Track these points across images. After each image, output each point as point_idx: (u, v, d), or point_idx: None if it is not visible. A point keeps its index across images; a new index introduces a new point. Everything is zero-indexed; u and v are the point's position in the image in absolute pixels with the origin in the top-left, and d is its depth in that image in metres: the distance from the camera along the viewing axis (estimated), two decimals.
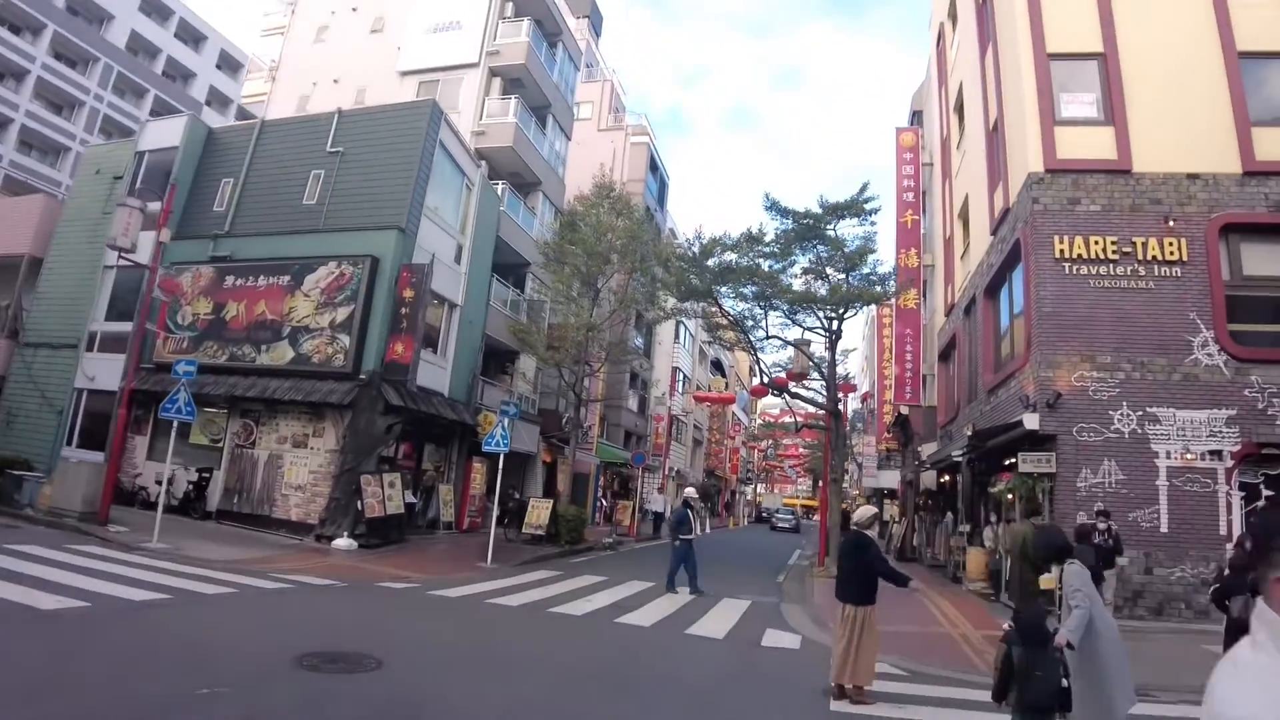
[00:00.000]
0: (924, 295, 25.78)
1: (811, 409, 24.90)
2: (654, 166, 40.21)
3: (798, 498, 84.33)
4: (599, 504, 33.33)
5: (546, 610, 10.71)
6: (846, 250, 19.08)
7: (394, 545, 16.24)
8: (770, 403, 69.99)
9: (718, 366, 59.00)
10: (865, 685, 7.07)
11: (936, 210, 24.74)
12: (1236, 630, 8.02)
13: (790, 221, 19.28)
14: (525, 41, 25.57)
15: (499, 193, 23.45)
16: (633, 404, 38.66)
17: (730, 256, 19.76)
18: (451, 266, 20.29)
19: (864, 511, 7.95)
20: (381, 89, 25.98)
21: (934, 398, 24.49)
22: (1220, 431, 12.19)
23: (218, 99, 45.70)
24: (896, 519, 29.57)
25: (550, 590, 12.59)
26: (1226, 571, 8.81)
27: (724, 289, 20.41)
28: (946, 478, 22.20)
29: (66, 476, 14.92)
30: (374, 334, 17.02)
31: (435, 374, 19.57)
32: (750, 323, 21.12)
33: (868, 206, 18.93)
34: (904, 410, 27.37)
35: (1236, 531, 11.73)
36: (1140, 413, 12.38)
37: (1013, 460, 13.57)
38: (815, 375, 21.98)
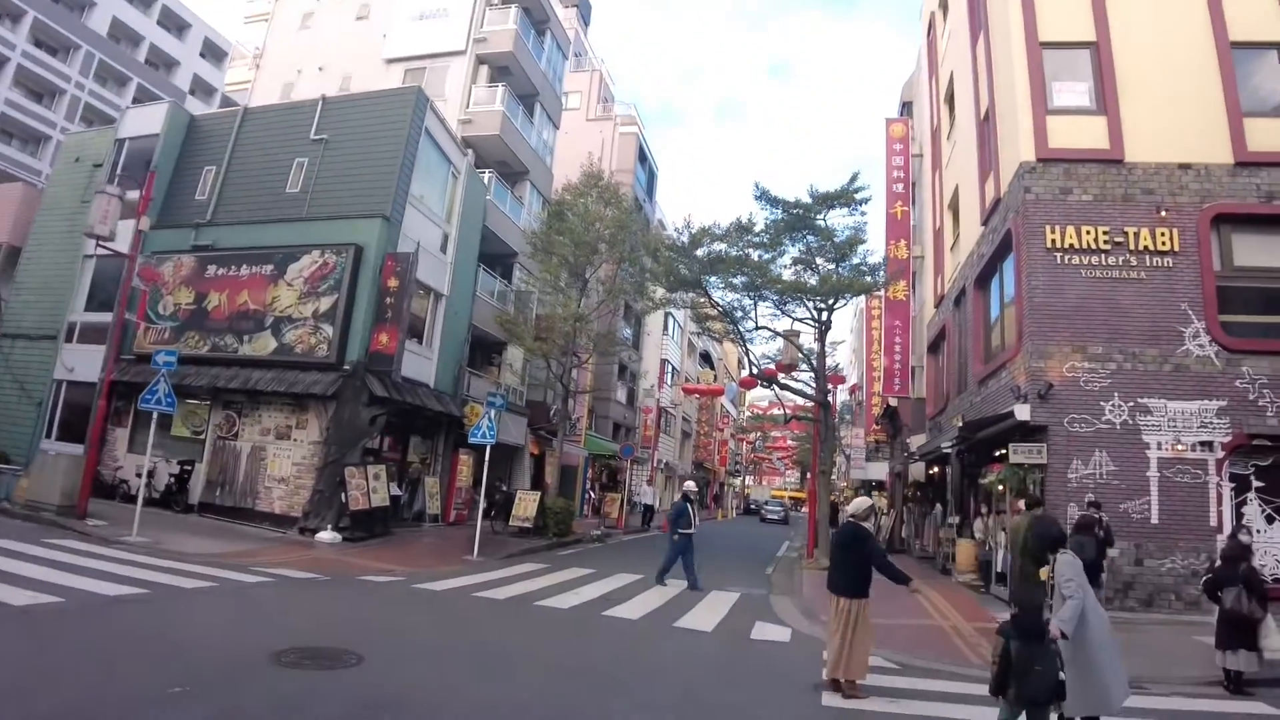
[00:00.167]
0: (913, 287, 25.71)
1: (800, 401, 24.83)
2: (643, 157, 39.96)
3: (786, 490, 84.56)
4: (587, 496, 33.19)
5: (533, 603, 10.56)
6: (836, 240, 18.97)
7: (379, 538, 16.04)
8: (759, 395, 70.03)
9: (706, 359, 58.91)
10: (858, 679, 6.97)
11: (926, 201, 24.64)
12: (1229, 622, 7.99)
13: (780, 211, 19.16)
14: (513, 29, 25.31)
15: (486, 181, 23.22)
16: (621, 396, 38.50)
17: (720, 246, 19.62)
18: (437, 256, 20.05)
19: (860, 503, 7.79)
20: (367, 77, 25.65)
21: (923, 389, 24.44)
22: (1211, 422, 12.13)
23: (202, 88, 45.10)
24: (885, 511, 29.57)
25: (537, 583, 12.45)
26: (1218, 563, 8.76)
27: (713, 279, 20.27)
28: (935, 469, 22.16)
29: (44, 469, 14.66)
30: (358, 324, 16.79)
31: (420, 365, 19.36)
32: (739, 313, 21.01)
33: (858, 196, 18.83)
34: (892, 402, 27.36)
35: (1227, 523, 11.69)
36: (1131, 403, 12.30)
37: (1003, 451, 13.49)
38: (804, 367, 21.88)
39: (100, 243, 14.84)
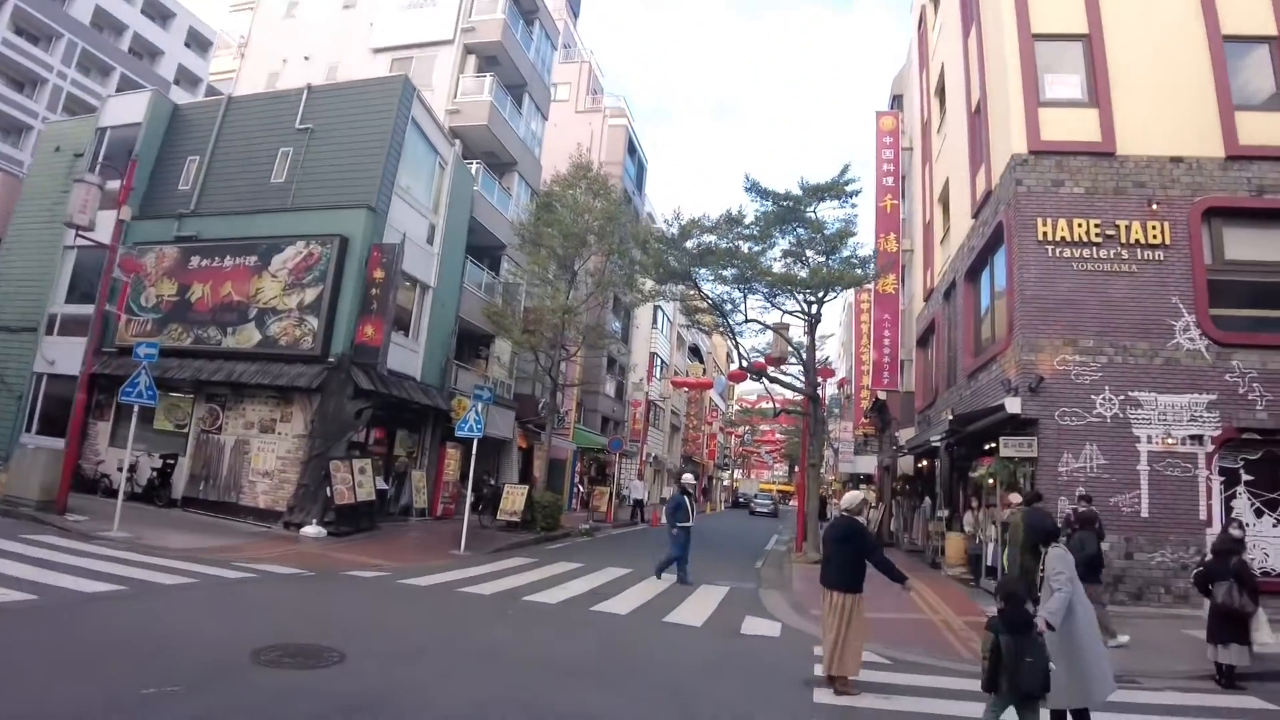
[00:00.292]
0: (902, 280, 25.66)
1: (789, 394, 24.77)
2: (632, 149, 39.74)
3: (774, 483, 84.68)
4: (576, 490, 33.07)
5: (521, 599, 10.43)
6: (827, 233, 18.88)
7: (365, 533, 15.89)
8: (747, 389, 70.20)
9: (695, 352, 58.84)
10: (850, 675, 6.88)
11: (916, 195, 24.58)
12: (1220, 616, 7.95)
13: (770, 203, 19.04)
14: (501, 18, 25.05)
15: (473, 172, 22.99)
16: (610, 389, 38.36)
17: (709, 238, 19.50)
18: (424, 247, 19.84)
19: (853, 497, 7.66)
20: (353, 66, 25.33)
21: (911, 383, 24.42)
22: (1201, 416, 12.12)
23: (187, 78, 44.53)
24: (874, 504, 29.60)
25: (525, 578, 12.32)
26: (1209, 557, 8.72)
27: (703, 271, 20.15)
28: (924, 463, 22.15)
29: (23, 464, 14.40)
30: (343, 316, 16.59)
31: (407, 357, 19.16)
32: (729, 306, 20.89)
33: (848, 188, 18.72)
34: (881, 395, 27.31)
35: (1217, 517, 11.69)
36: (1122, 397, 12.27)
37: (993, 445, 13.46)
38: (794, 360, 21.81)
39: (80, 233, 14.59)
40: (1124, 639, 9.33)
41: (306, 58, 27.19)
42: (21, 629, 6.52)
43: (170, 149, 20.23)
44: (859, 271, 19.26)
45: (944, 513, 18.28)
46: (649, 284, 22.30)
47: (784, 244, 19.63)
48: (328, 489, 15.26)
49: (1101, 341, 12.51)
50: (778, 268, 19.47)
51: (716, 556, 18.44)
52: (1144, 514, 11.85)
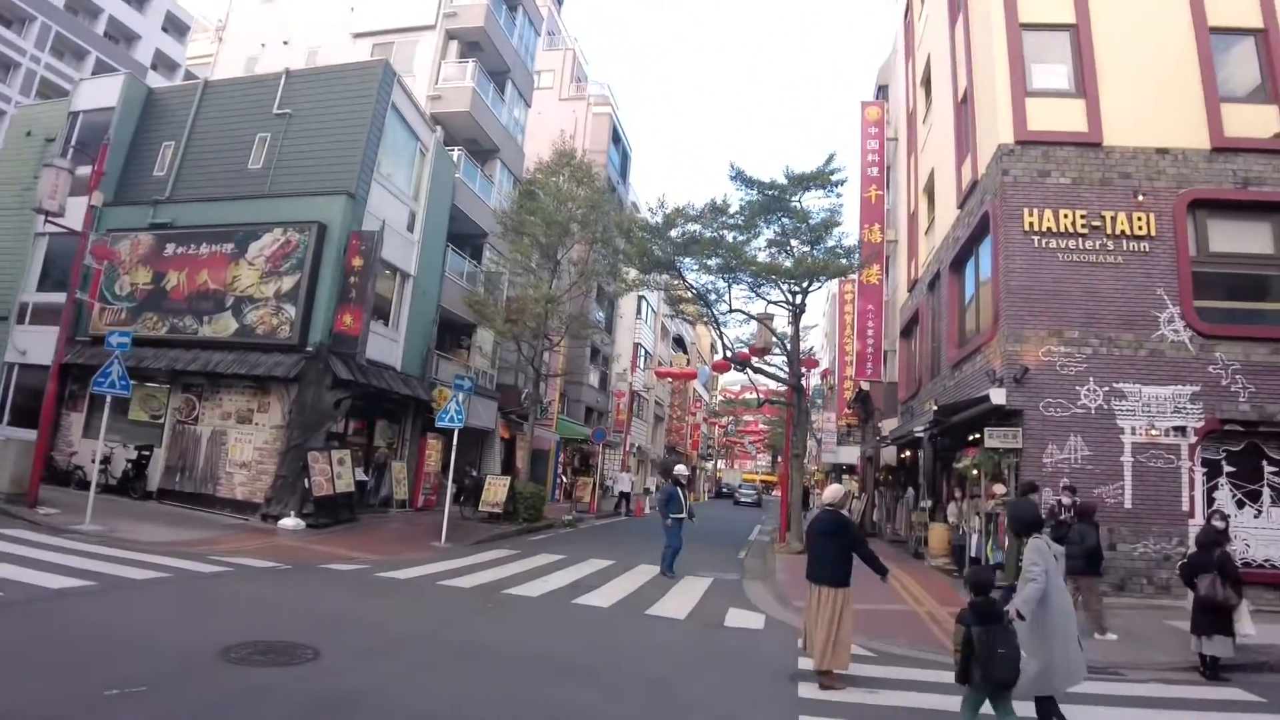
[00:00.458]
0: (886, 271, 25.64)
1: (773, 385, 24.71)
2: (616, 138, 39.48)
3: (757, 473, 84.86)
4: (559, 481, 32.92)
5: (501, 591, 10.28)
6: (812, 222, 18.77)
7: (344, 524, 15.68)
8: (731, 379, 70.14)
9: (679, 343, 58.75)
10: (840, 670, 6.82)
11: (901, 185, 24.53)
12: (1203, 607, 7.93)
13: (756, 192, 18.90)
14: (484, 3, 24.71)
15: (455, 159, 22.69)
16: (594, 380, 38.21)
17: (694, 227, 19.33)
18: (404, 235, 19.57)
19: (836, 490, 7.67)
20: (333, 51, 24.93)
21: (895, 374, 24.44)
22: (1184, 408, 12.12)
23: (164, 62, 43.83)
24: (856, 494, 29.64)
25: (506, 570, 12.17)
26: (1193, 549, 8.70)
27: (687, 260, 20.00)
28: (907, 453, 22.16)
29: None
30: (321, 304, 16.32)
31: (387, 347, 18.91)
32: (713, 296, 20.76)
33: (834, 178, 18.61)
34: (865, 386, 27.33)
35: (1199, 508, 11.71)
36: (1107, 388, 12.26)
37: (977, 436, 13.43)
38: (778, 350, 21.73)
39: (49, 219, 14.21)
40: (1112, 636, 9.31)
41: (286, 42, 26.77)
42: None
43: (145, 134, 19.85)
44: (844, 261, 19.15)
45: (927, 503, 18.29)
46: (633, 273, 22.13)
47: (769, 233, 19.54)
48: (306, 480, 15.04)
49: (1087, 333, 12.49)
50: (762, 257, 19.36)
51: (700, 547, 18.33)
52: (1127, 505, 11.86)
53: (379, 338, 18.27)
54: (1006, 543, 10.33)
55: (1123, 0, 13.68)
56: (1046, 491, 11.61)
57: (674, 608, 10.21)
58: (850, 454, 31.63)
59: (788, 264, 18.90)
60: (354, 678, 5.80)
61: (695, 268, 20.34)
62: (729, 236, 19.29)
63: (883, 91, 29.31)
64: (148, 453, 16.78)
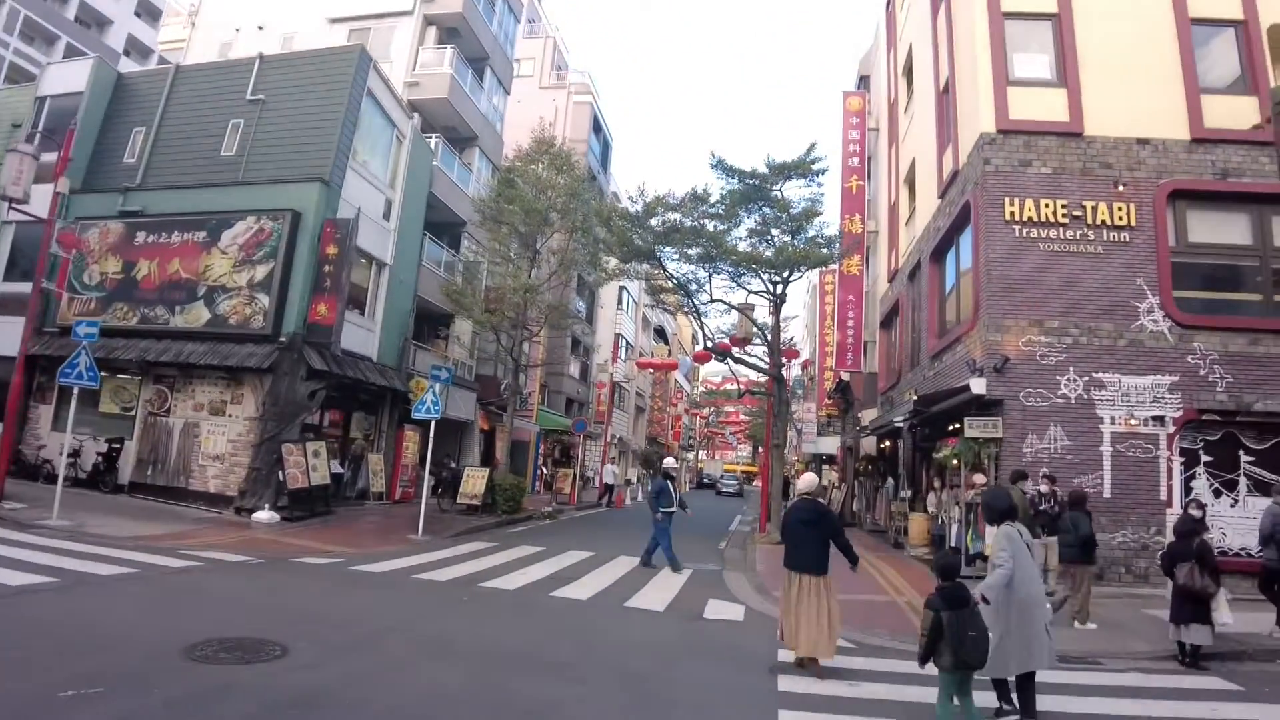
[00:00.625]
0: (866, 262, 25.61)
1: (754, 375, 24.65)
2: (597, 127, 39.17)
3: (738, 464, 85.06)
4: (539, 472, 32.76)
5: (478, 584, 10.12)
6: (792, 212, 18.67)
7: (319, 517, 15.45)
8: (712, 370, 70.31)
9: (661, 334, 58.66)
10: (827, 659, 6.88)
11: (881, 176, 24.50)
12: (1182, 596, 7.92)
13: (737, 181, 18.79)
14: None
15: (433, 147, 22.39)
16: (574, 370, 38.04)
17: (674, 216, 19.18)
18: (380, 223, 19.27)
19: (811, 480, 7.70)
20: (309, 36, 24.50)
21: (875, 364, 24.46)
22: (1163, 398, 12.16)
23: (137, 48, 42.95)
24: (836, 484, 29.68)
25: (484, 563, 12.01)
26: (1172, 539, 8.70)
27: (668, 250, 19.86)
28: (887, 443, 22.19)
29: None
30: (295, 293, 16.05)
31: (363, 337, 18.64)
32: (694, 286, 20.66)
33: (815, 167, 18.51)
34: (845, 376, 27.34)
35: (1177, 497, 11.75)
36: (1086, 378, 12.27)
37: (957, 426, 13.41)
38: (758, 341, 21.67)
39: (13, 206, 13.83)
40: (1091, 626, 9.31)
41: (260, 27, 26.28)
42: None
43: (115, 120, 19.44)
44: (824, 251, 19.10)
45: (907, 493, 18.31)
46: (613, 262, 21.96)
47: (749, 223, 19.43)
48: (280, 473, 14.79)
49: (1067, 322, 12.48)
50: (743, 247, 19.23)
51: (680, 538, 18.12)
52: (1106, 495, 11.88)
53: (354, 328, 18.00)
54: (961, 532, 10.32)
55: None
56: (1027, 482, 11.58)
57: (653, 599, 10.10)
58: (830, 444, 31.66)
59: (768, 253, 18.80)
60: (322, 675, 5.63)
61: (676, 257, 20.23)
62: (710, 226, 19.16)
63: (864, 82, 29.23)
64: (118, 445, 16.45)
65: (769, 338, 20.21)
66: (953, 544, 13.33)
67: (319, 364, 15.90)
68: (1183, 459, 12.14)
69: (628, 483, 35.27)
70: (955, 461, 13.77)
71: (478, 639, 7.31)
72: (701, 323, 21.86)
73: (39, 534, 10.81)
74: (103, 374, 15.83)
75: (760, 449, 32.71)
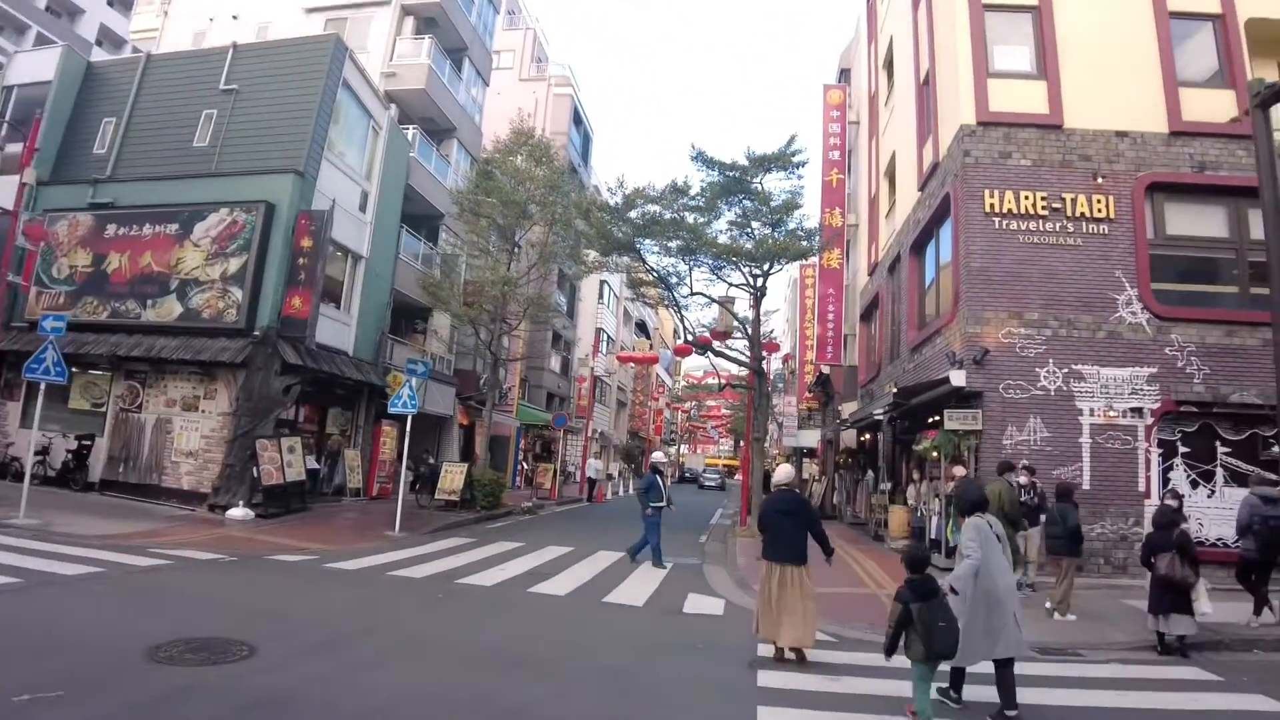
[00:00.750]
0: (847, 255, 25.62)
1: (735, 369, 24.61)
2: (578, 120, 38.92)
3: (720, 458, 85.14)
4: (520, 467, 32.58)
5: (454, 581, 9.98)
6: (773, 204, 18.60)
7: (295, 514, 15.26)
8: (693, 364, 70.29)
9: (642, 328, 58.52)
10: (809, 646, 6.96)
11: (862, 169, 24.50)
12: (1162, 586, 7.92)
13: (717, 173, 18.67)
14: None
15: (410, 138, 22.12)
16: (555, 365, 37.84)
17: (654, 208, 19.05)
18: (356, 215, 19.00)
19: (788, 471, 7.77)
20: (285, 26, 24.04)
21: (855, 357, 24.48)
22: (1141, 389, 12.19)
23: (110, 38, 42.17)
24: (817, 477, 29.70)
25: (461, 559, 11.87)
26: (1151, 530, 8.70)
27: (648, 242, 19.73)
28: (867, 436, 22.21)
29: None
30: (269, 287, 15.80)
31: (338, 331, 18.39)
32: (674, 279, 20.56)
33: (795, 159, 18.44)
34: (825, 370, 27.36)
35: (1155, 488, 11.80)
36: (1066, 370, 12.27)
37: (937, 418, 13.40)
38: (739, 334, 21.61)
39: None
40: (1071, 617, 9.31)
41: (235, 16, 25.75)
42: None
43: (84, 110, 19.03)
44: (804, 243, 19.05)
45: (887, 486, 18.32)
46: (593, 255, 21.80)
47: (730, 215, 19.34)
48: (255, 469, 14.58)
49: (1046, 314, 12.48)
50: (723, 239, 19.15)
51: (662, 531, 18.16)
52: (1085, 486, 11.88)
53: (330, 321, 17.75)
54: (941, 525, 10.33)
55: None
56: (1014, 474, 11.58)
57: (632, 595, 10.00)
58: (811, 437, 31.70)
59: (748, 246, 18.72)
60: (289, 676, 5.48)
61: (656, 250, 20.12)
62: (690, 218, 19.06)
63: (845, 75, 29.19)
64: (89, 442, 16.15)
65: (749, 331, 20.15)
66: (933, 536, 13.34)
67: (294, 358, 15.66)
68: (1160, 450, 12.19)
69: (609, 477, 35.14)
70: (935, 454, 13.75)
71: (452, 637, 7.18)
72: (682, 316, 21.77)
73: (4, 533, 10.54)
74: (73, 370, 15.58)
75: (742, 443, 32.70)
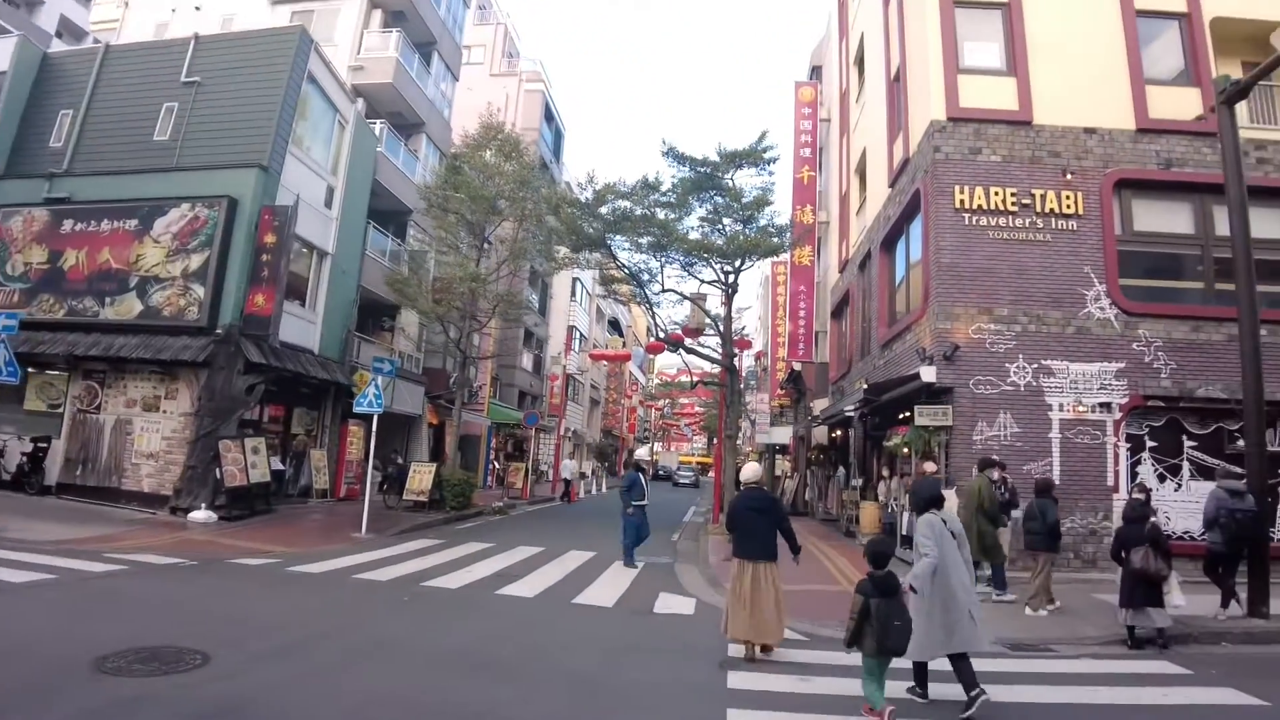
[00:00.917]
0: (818, 253, 25.63)
1: (707, 366, 24.55)
2: (550, 116, 38.67)
3: (693, 456, 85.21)
4: (491, 466, 32.29)
5: (421, 584, 9.78)
6: (744, 201, 18.54)
7: (260, 516, 14.95)
8: (667, 362, 70.13)
9: (615, 326, 58.35)
10: (778, 642, 6.97)
11: (833, 166, 24.51)
12: (1134, 580, 7.93)
13: (688, 169, 18.58)
14: None
15: (377, 133, 21.79)
16: (527, 363, 37.57)
17: (625, 204, 18.92)
18: (321, 211, 18.66)
19: (755, 469, 7.72)
20: (249, 17, 23.63)
21: (826, 354, 24.51)
22: (1110, 384, 12.27)
23: (70, 30, 41.07)
24: (789, 474, 29.74)
25: (428, 561, 11.66)
26: (1121, 525, 8.72)
27: (619, 239, 19.59)
28: (839, 433, 22.24)
29: None
30: (232, 284, 15.47)
31: (303, 329, 18.05)
32: (646, 276, 20.42)
33: (766, 155, 18.39)
34: (797, 367, 27.39)
35: (1123, 483, 11.88)
36: (1035, 365, 12.32)
37: (907, 414, 13.40)
38: (711, 331, 21.54)
39: None
40: (1043, 611, 9.32)
41: (198, 8, 25.29)
42: None
43: (40, 101, 18.49)
44: (775, 240, 19.01)
45: (858, 482, 18.34)
46: (564, 251, 21.61)
47: (701, 212, 19.27)
48: (217, 471, 14.27)
49: (1016, 310, 12.52)
50: (694, 235, 19.07)
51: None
52: (1055, 481, 11.88)
53: (294, 319, 17.42)
54: (912, 520, 10.29)
55: None
56: (994, 470, 11.59)
57: (602, 595, 9.87)
58: (783, 434, 31.72)
59: (719, 242, 18.66)
60: (244, 684, 5.28)
61: (627, 246, 19.99)
62: (661, 214, 18.93)
63: (816, 73, 29.19)
64: (45, 444, 15.75)
65: (721, 328, 20.10)
66: (904, 532, 13.34)
67: (257, 357, 15.32)
68: (1129, 445, 12.29)
69: (582, 476, 34.94)
70: (906, 450, 13.76)
71: (416, 641, 6.99)
72: (654, 313, 21.66)
73: None
74: (28, 369, 15.16)
75: (715, 440, 32.71)
